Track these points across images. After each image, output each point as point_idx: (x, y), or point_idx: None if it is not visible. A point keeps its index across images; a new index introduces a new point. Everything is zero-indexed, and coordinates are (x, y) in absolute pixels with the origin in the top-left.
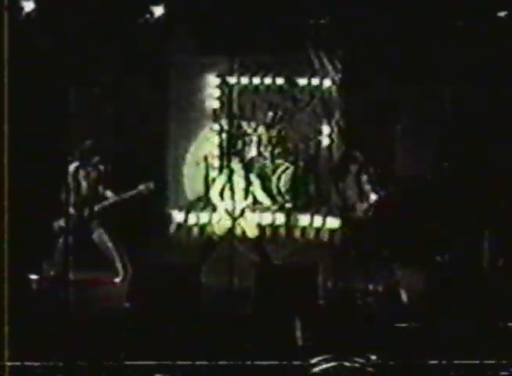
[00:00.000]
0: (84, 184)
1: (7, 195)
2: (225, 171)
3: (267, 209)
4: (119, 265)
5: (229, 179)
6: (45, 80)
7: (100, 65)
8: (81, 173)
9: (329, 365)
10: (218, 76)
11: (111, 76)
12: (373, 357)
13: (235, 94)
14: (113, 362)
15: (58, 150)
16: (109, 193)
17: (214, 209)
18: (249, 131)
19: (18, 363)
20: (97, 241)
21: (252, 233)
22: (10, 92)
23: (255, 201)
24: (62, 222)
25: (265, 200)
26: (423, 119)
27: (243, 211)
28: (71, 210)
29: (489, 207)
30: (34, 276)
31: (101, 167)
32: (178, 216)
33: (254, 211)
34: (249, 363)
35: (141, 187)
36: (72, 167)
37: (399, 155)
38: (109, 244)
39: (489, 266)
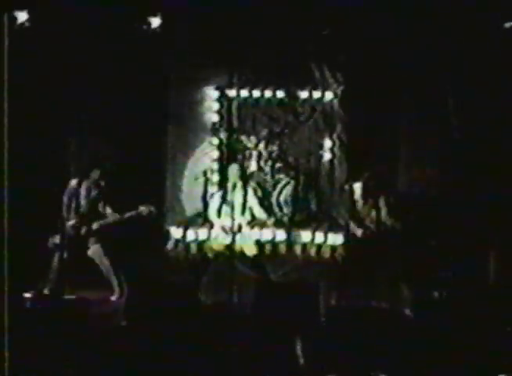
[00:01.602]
0: (83, 201)
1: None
2: (224, 186)
3: (266, 225)
4: (115, 283)
5: (228, 195)
6: (42, 94)
7: (97, 78)
8: (81, 189)
9: None
10: (217, 89)
11: (108, 89)
12: None
13: (234, 107)
14: None
15: (57, 166)
16: (109, 211)
17: (213, 225)
18: (249, 145)
19: None
20: (93, 257)
21: (251, 249)
22: (9, 106)
23: (254, 217)
24: (56, 239)
25: (263, 215)
26: (428, 131)
27: (241, 228)
28: (68, 226)
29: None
30: (27, 294)
31: (101, 183)
32: (176, 232)
33: (253, 227)
34: None
35: (142, 208)
36: (72, 183)
37: (403, 168)
38: (106, 261)
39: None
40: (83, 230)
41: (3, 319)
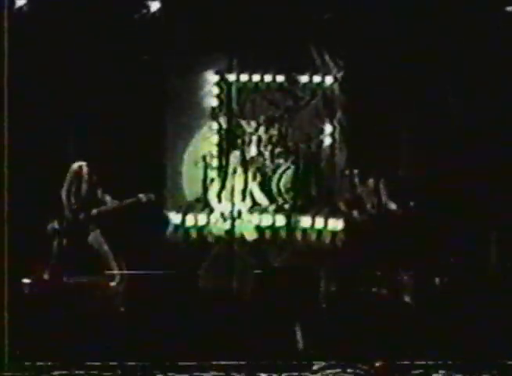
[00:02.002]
0: (84, 186)
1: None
2: (224, 171)
3: (266, 210)
4: (115, 269)
5: (228, 180)
6: (41, 78)
7: (96, 63)
8: (83, 173)
9: (331, 371)
10: (216, 73)
11: (107, 74)
12: (377, 364)
13: (234, 92)
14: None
15: (57, 151)
16: (107, 198)
17: (213, 210)
18: (248, 130)
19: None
20: (93, 243)
21: (251, 235)
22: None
23: (254, 202)
24: (56, 225)
25: (263, 201)
26: (430, 117)
27: (241, 213)
28: (68, 212)
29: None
30: (27, 280)
31: (100, 169)
32: (175, 218)
33: (253, 212)
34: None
35: (141, 196)
36: (73, 166)
37: (404, 155)
38: (106, 247)
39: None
40: (82, 216)
41: (3, 305)
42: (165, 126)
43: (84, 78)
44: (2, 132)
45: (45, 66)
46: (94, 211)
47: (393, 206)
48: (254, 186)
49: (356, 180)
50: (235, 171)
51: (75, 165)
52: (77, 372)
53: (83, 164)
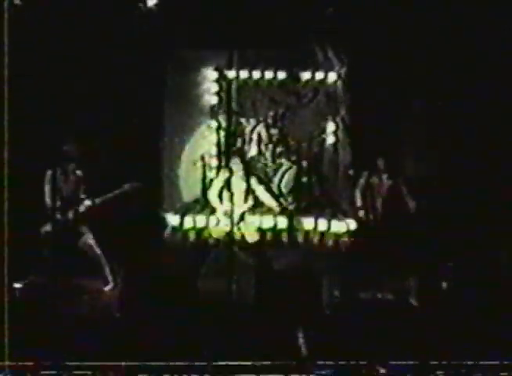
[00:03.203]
0: (65, 187)
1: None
2: (224, 171)
3: (268, 212)
4: (108, 273)
5: (228, 180)
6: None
7: (91, 58)
8: (63, 176)
9: None
10: (215, 69)
11: (102, 69)
12: (382, 370)
13: (234, 89)
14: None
15: (53, 152)
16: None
17: (212, 212)
18: (249, 128)
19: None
20: (84, 247)
21: (252, 237)
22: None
23: (256, 203)
24: (47, 228)
25: (268, 201)
26: (437, 115)
27: (243, 215)
28: (57, 214)
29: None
30: (18, 285)
31: (78, 172)
32: (173, 219)
33: (254, 214)
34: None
35: (126, 186)
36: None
37: (410, 154)
38: (98, 251)
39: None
40: (70, 214)
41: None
42: (162, 125)
43: (78, 76)
44: (2, 133)
45: (42, 64)
46: (82, 208)
47: (411, 204)
48: (255, 187)
49: (361, 180)
50: (234, 171)
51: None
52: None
53: (57, 166)
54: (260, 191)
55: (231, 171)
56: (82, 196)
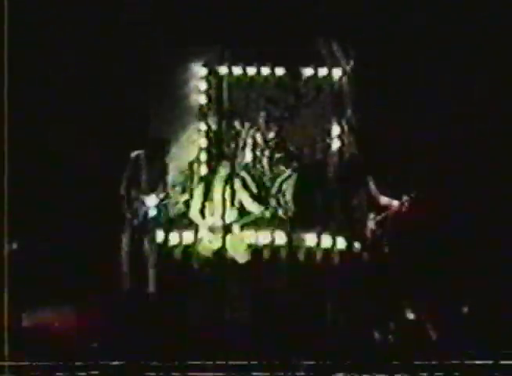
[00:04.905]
0: None
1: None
2: (215, 180)
3: (264, 226)
4: None
5: (220, 191)
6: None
7: (72, 53)
8: None
9: None
10: (204, 65)
11: (82, 65)
12: None
13: (225, 87)
14: None
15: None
16: None
17: (200, 227)
18: (243, 131)
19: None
20: None
21: (243, 256)
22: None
23: (244, 213)
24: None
25: (255, 208)
26: (460, 117)
27: (228, 229)
28: None
29: None
30: None
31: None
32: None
33: (244, 229)
34: None
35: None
36: None
37: (424, 158)
38: None
39: None
40: None
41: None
42: (145, 127)
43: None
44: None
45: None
46: None
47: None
48: (243, 194)
49: (371, 190)
50: (227, 180)
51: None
52: None
53: None
54: (246, 199)
55: (223, 180)
56: None
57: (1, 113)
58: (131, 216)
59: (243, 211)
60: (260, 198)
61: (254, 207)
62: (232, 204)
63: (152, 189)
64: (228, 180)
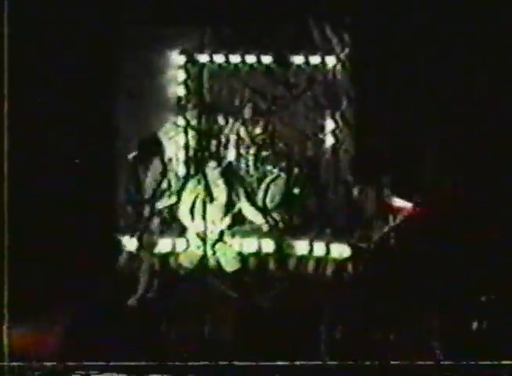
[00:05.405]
0: None
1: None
2: (194, 180)
3: (252, 233)
4: None
5: (199, 192)
6: None
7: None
8: None
9: None
10: (182, 53)
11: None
12: None
13: (206, 77)
14: None
15: None
16: None
17: (182, 233)
18: (226, 127)
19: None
20: None
21: (231, 264)
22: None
23: (236, 221)
24: None
25: (255, 217)
26: (461, 112)
27: (221, 235)
28: None
29: None
30: None
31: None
32: (129, 243)
33: (233, 235)
34: None
35: None
36: None
37: (425, 154)
38: None
39: None
40: None
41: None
42: (116, 122)
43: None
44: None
45: None
46: None
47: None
48: (243, 201)
49: (368, 192)
50: (208, 181)
51: None
52: None
53: None
54: (246, 206)
55: (203, 181)
56: None
57: (1, 113)
58: (130, 218)
59: (239, 219)
60: (265, 209)
61: (256, 219)
62: (228, 209)
63: (152, 191)
64: (219, 181)
